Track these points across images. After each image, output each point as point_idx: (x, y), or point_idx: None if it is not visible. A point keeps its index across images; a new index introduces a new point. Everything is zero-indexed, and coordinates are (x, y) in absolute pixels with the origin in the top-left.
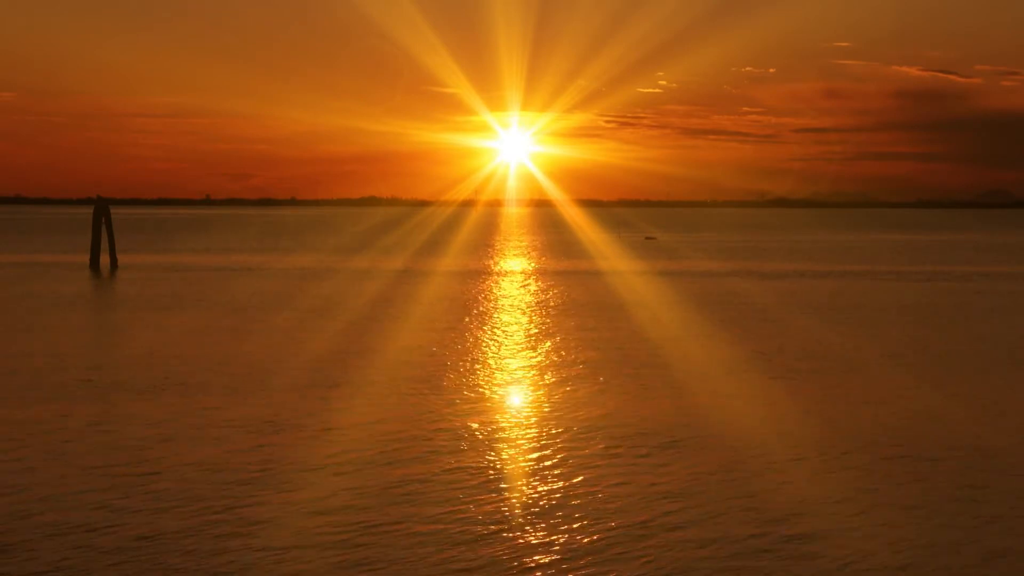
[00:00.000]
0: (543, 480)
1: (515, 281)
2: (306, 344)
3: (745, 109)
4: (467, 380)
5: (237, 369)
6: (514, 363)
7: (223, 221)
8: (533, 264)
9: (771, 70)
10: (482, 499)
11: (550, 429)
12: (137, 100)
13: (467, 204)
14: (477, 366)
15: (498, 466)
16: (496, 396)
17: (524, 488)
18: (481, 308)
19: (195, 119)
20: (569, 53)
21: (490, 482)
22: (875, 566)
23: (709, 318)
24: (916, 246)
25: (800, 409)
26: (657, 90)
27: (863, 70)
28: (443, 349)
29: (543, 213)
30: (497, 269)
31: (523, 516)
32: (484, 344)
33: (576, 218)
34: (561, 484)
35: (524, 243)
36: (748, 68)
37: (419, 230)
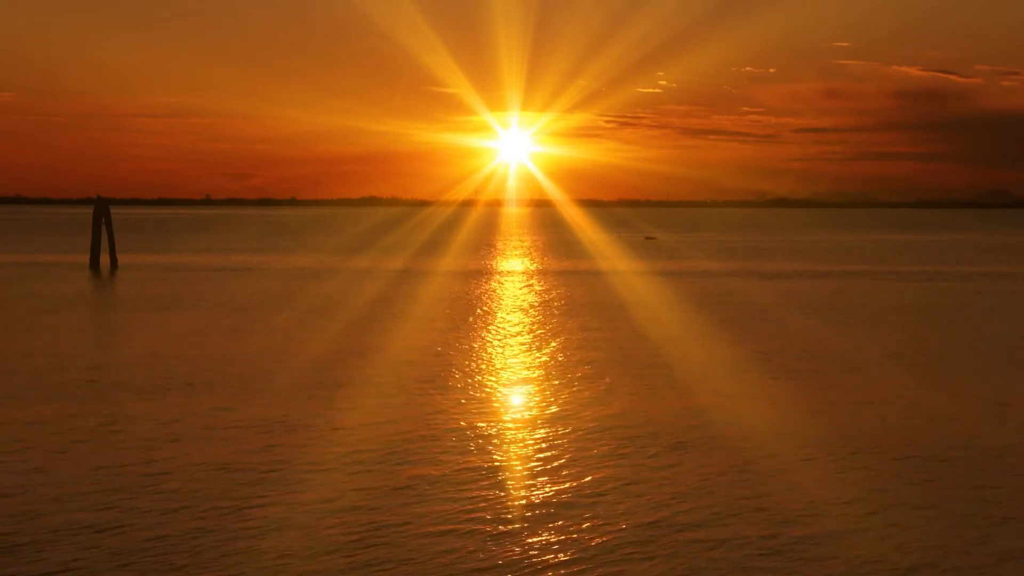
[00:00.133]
0: (549, 480)
1: (515, 281)
2: (307, 344)
3: (745, 109)
4: (470, 380)
5: (239, 369)
6: (516, 363)
7: (223, 221)
8: (533, 264)
9: (771, 70)
10: (490, 500)
11: (554, 429)
12: (137, 100)
13: (467, 204)
14: (479, 366)
15: (504, 466)
16: (499, 396)
17: (531, 488)
18: (481, 308)
19: (195, 119)
20: (569, 53)
21: (497, 482)
22: (886, 568)
23: (709, 318)
24: (916, 246)
25: (803, 409)
26: (657, 90)
27: (863, 70)
28: (444, 349)
29: (543, 213)
30: (497, 269)
31: (530, 516)
32: (485, 344)
33: (576, 218)
34: (568, 484)
35: (524, 243)
36: (748, 68)
37: (419, 230)
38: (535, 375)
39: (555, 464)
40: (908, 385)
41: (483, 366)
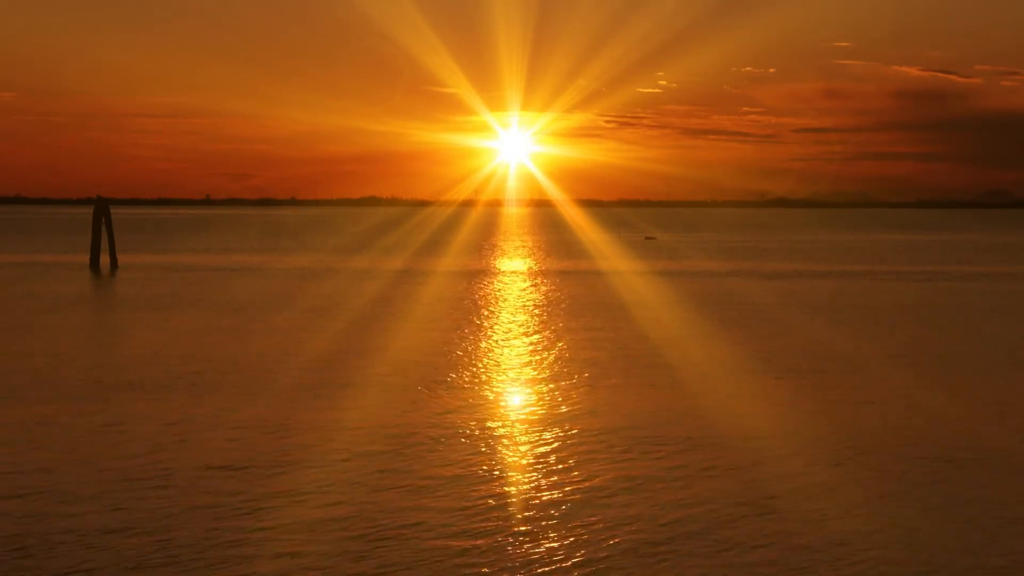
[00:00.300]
0: (550, 480)
1: (515, 281)
2: (307, 344)
3: (745, 109)
4: (471, 380)
5: (240, 369)
6: (516, 363)
7: (223, 221)
8: (533, 264)
9: (771, 70)
10: (494, 500)
11: (555, 429)
12: (137, 100)
13: (467, 204)
14: (480, 366)
15: (507, 467)
16: (500, 396)
17: (533, 489)
18: (482, 308)
19: (195, 119)
20: (569, 53)
21: (501, 483)
22: (888, 568)
23: (710, 318)
24: (916, 246)
25: (804, 409)
26: (657, 90)
27: (863, 70)
28: (445, 349)
29: (543, 213)
30: (497, 269)
31: (534, 517)
32: (486, 344)
33: (576, 218)
34: (568, 485)
35: (524, 243)
36: (748, 68)
37: (419, 230)
38: (535, 375)
39: (556, 464)
40: (909, 385)
41: (484, 366)
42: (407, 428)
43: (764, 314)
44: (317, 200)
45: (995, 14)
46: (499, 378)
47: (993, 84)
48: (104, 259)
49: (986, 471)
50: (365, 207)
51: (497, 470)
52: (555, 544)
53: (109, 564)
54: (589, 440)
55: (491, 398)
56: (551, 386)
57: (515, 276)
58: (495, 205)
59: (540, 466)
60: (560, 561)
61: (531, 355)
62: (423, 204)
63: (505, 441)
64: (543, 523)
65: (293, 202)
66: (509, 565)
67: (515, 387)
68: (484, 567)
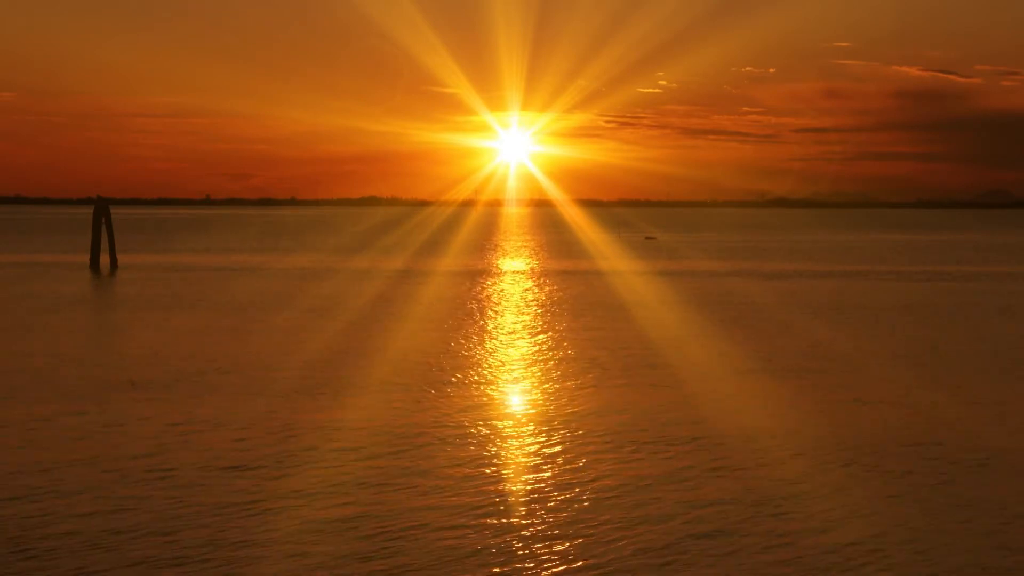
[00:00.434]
0: (552, 480)
1: (515, 281)
2: (308, 344)
3: (745, 109)
4: (473, 380)
5: (241, 369)
6: (517, 363)
7: (223, 221)
8: (533, 264)
9: (771, 70)
10: (504, 503)
11: (556, 429)
12: (137, 100)
13: (467, 204)
14: (480, 366)
15: (515, 468)
16: (501, 397)
17: (541, 488)
18: (482, 308)
19: (195, 119)
20: (569, 53)
21: (510, 484)
22: (890, 568)
23: (710, 318)
24: (916, 246)
25: (807, 410)
26: (657, 90)
27: (863, 70)
28: (446, 349)
29: (543, 213)
30: (497, 269)
31: (536, 516)
32: (486, 344)
33: (576, 218)
34: (570, 485)
35: (524, 243)
36: (748, 68)
37: (419, 230)
38: (537, 375)
39: (560, 464)
40: (909, 385)
41: (485, 366)
42: (411, 428)
43: (764, 314)
44: (317, 200)
45: (995, 14)
46: (501, 378)
47: (993, 84)
48: (104, 259)
49: (988, 471)
50: (365, 207)
51: (503, 470)
52: (562, 545)
53: (114, 566)
54: (592, 440)
55: (494, 398)
56: (553, 386)
57: (515, 276)
58: (495, 205)
59: (545, 466)
60: (569, 562)
61: (532, 355)
62: (423, 204)
63: (509, 441)
64: (549, 523)
65: (293, 202)
66: (517, 566)
67: (517, 387)
68: (494, 567)
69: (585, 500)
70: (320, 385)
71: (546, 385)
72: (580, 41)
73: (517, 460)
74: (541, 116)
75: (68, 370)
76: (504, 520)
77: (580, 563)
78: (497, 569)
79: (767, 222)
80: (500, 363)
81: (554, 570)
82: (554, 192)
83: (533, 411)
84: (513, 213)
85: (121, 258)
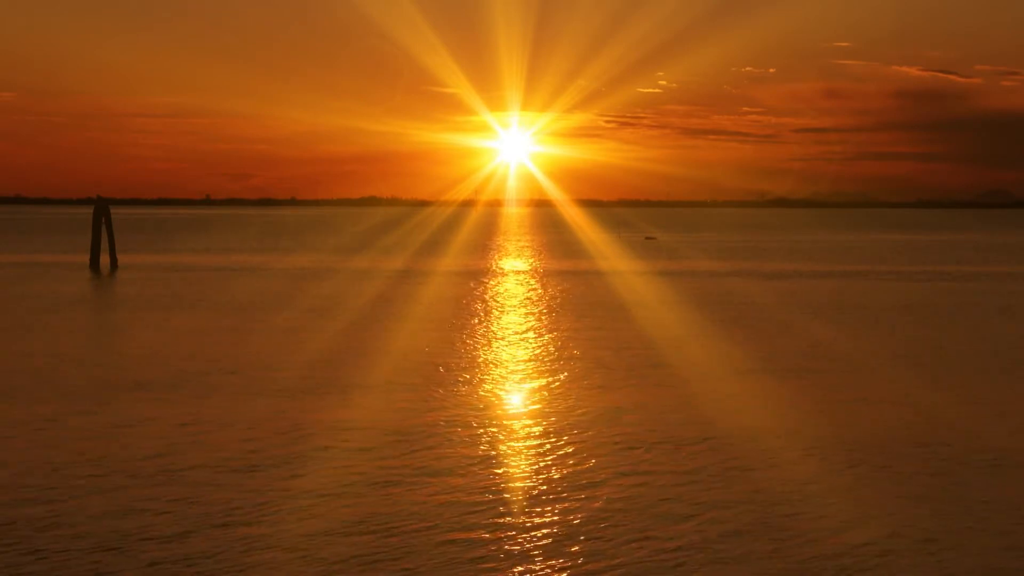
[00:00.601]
0: (554, 481)
1: (515, 281)
2: (308, 344)
3: (745, 109)
4: (479, 381)
5: (242, 369)
6: (517, 363)
7: (223, 221)
8: (533, 264)
9: (771, 70)
10: (513, 506)
11: (557, 429)
12: (137, 100)
13: (467, 204)
14: (481, 366)
15: (525, 470)
16: (502, 397)
17: (545, 488)
18: (482, 308)
19: (195, 119)
20: (569, 53)
21: (519, 484)
22: (890, 567)
23: (710, 318)
24: (916, 246)
25: (807, 410)
26: (657, 90)
27: (863, 70)
28: (449, 349)
29: (543, 213)
30: (497, 269)
31: (540, 519)
32: (487, 344)
33: (576, 218)
34: (583, 490)
35: (524, 243)
36: (748, 68)
37: (419, 230)
38: (541, 375)
39: (568, 466)
40: (910, 385)
41: (488, 366)
42: (419, 428)
43: (764, 314)
44: (317, 200)
45: (995, 14)
46: (506, 378)
47: (993, 84)
48: (104, 259)
49: (996, 472)
50: (365, 207)
51: (513, 470)
52: (573, 546)
53: (125, 568)
54: (601, 441)
55: (501, 399)
56: (558, 386)
57: (515, 276)
58: (495, 205)
59: (555, 466)
60: (580, 563)
61: (535, 355)
62: (423, 204)
63: (519, 442)
64: (560, 523)
65: (293, 202)
66: (528, 566)
67: (522, 387)
68: (504, 568)
69: (596, 501)
70: (324, 385)
71: (552, 385)
72: (580, 41)
73: (528, 461)
74: (541, 116)
75: (68, 370)
76: (515, 520)
77: (592, 564)
78: (508, 570)
79: (767, 222)
80: (503, 363)
81: (566, 571)
82: (554, 192)
83: (540, 411)
84: (513, 213)
85: (121, 258)
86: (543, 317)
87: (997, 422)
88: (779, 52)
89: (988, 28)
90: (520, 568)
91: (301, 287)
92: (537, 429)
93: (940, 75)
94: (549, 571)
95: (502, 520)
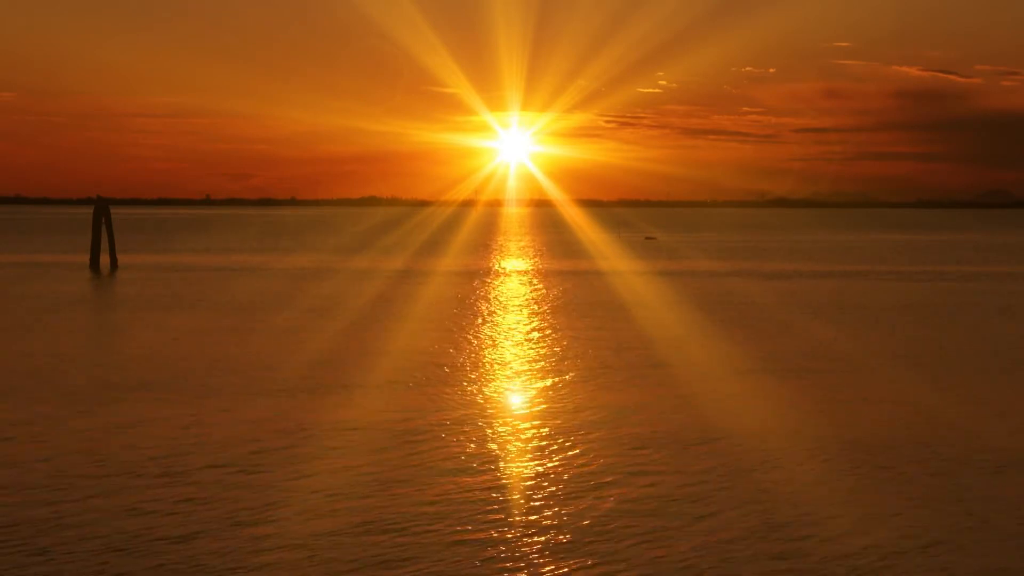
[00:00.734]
0: (554, 481)
1: (515, 281)
2: (308, 344)
3: (745, 109)
4: (480, 381)
5: (244, 369)
6: (517, 363)
7: (223, 221)
8: (533, 264)
9: (771, 70)
10: (519, 507)
11: (557, 430)
12: (137, 100)
13: (467, 204)
14: (482, 366)
15: (531, 471)
16: (503, 397)
17: (548, 488)
18: (482, 308)
19: (195, 119)
20: (569, 53)
21: (525, 484)
22: (890, 567)
23: (710, 318)
24: (916, 246)
25: (807, 410)
26: (657, 90)
27: (863, 70)
28: (449, 349)
29: (543, 213)
30: (497, 269)
31: (542, 519)
32: (487, 344)
33: (576, 218)
34: (586, 491)
35: (524, 243)
36: (748, 68)
37: (419, 230)
38: (543, 375)
39: (572, 468)
40: (910, 385)
41: (490, 366)
42: (423, 428)
43: (764, 314)
44: (317, 200)
45: (995, 14)
46: (508, 378)
47: (993, 84)
48: (104, 259)
49: (998, 473)
50: (365, 207)
51: (519, 471)
52: (577, 548)
53: (133, 569)
54: (606, 442)
55: (504, 399)
56: (560, 387)
57: (515, 276)
58: (495, 205)
59: (560, 468)
60: (585, 566)
61: (536, 355)
62: (423, 204)
63: (524, 443)
64: (565, 525)
65: (293, 202)
66: (531, 568)
67: (525, 387)
68: (509, 569)
69: (606, 502)
70: (325, 385)
71: (554, 385)
72: (580, 41)
73: (534, 461)
74: (541, 116)
75: (69, 370)
76: (525, 520)
77: (602, 566)
78: (518, 572)
79: (767, 222)
80: (505, 363)
81: (576, 572)
82: (554, 192)
83: (544, 411)
84: (513, 213)
85: (121, 258)
86: (544, 317)
87: (997, 422)
88: (779, 52)
89: (988, 28)
90: (531, 569)
91: (301, 287)
92: (542, 429)
93: (940, 75)
94: (560, 572)
95: (512, 520)
